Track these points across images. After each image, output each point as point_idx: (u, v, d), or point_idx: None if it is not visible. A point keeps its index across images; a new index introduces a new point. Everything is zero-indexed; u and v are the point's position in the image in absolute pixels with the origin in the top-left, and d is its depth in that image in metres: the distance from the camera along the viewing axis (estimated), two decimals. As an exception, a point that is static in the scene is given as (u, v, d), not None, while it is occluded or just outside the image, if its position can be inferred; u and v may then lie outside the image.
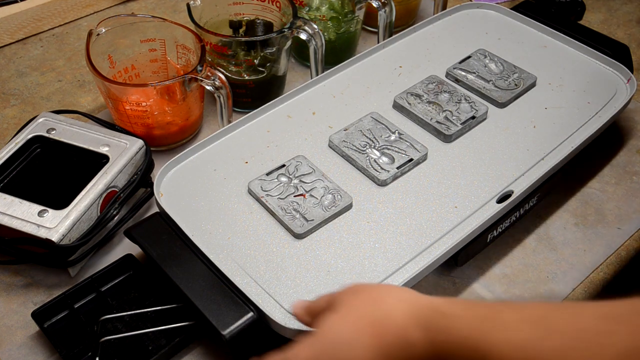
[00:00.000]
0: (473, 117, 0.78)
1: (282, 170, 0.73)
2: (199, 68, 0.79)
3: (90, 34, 0.82)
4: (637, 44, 1.03)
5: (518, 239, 0.77)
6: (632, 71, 0.84)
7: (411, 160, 0.74)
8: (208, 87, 0.79)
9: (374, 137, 0.76)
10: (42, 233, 0.67)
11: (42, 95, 0.96)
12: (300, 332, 0.59)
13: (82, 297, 0.69)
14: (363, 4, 0.94)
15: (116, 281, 0.71)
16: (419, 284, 0.66)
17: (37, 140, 0.78)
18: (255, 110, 0.80)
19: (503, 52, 0.88)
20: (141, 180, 0.77)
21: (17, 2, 1.05)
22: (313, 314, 0.53)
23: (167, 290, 0.68)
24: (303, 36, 0.86)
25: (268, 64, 0.88)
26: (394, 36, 0.91)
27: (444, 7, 1.01)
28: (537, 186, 0.73)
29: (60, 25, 1.09)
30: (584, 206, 0.81)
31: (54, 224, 0.68)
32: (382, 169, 0.73)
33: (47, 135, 0.78)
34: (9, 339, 0.68)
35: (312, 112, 0.81)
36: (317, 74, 0.89)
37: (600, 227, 0.79)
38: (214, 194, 0.72)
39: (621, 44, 0.89)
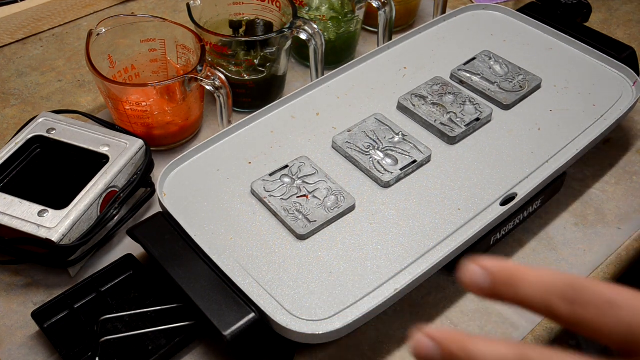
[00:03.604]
0: (477, 119, 0.78)
1: (285, 171, 0.72)
2: (199, 68, 0.79)
3: (90, 34, 0.82)
4: (638, 44, 1.03)
5: (518, 239, 0.77)
6: (638, 74, 0.84)
7: (415, 162, 0.73)
8: (208, 87, 0.78)
9: (378, 139, 0.76)
10: (42, 233, 0.67)
11: (42, 95, 0.95)
12: (301, 334, 0.58)
13: (82, 297, 0.68)
14: (363, 4, 0.94)
15: (116, 281, 0.70)
16: (419, 285, 0.65)
17: (37, 140, 0.77)
18: (258, 111, 0.79)
19: (508, 54, 0.88)
20: (141, 180, 0.77)
21: (17, 2, 1.04)
22: None
23: (167, 290, 0.68)
24: (303, 36, 0.86)
25: (268, 64, 0.88)
26: (398, 37, 0.91)
27: (444, 8, 1.01)
28: (541, 189, 0.73)
29: (60, 25, 1.08)
30: (584, 206, 0.81)
31: (54, 224, 0.67)
32: (385, 170, 0.72)
33: (47, 135, 0.77)
34: (9, 339, 0.67)
35: (316, 113, 0.80)
36: (317, 74, 0.89)
37: (600, 227, 0.79)
38: (217, 195, 0.71)
39: (627, 46, 0.89)
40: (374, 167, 0.73)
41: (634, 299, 0.31)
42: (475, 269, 0.34)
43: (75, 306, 0.68)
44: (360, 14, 0.96)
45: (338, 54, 0.99)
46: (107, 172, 0.73)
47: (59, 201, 0.70)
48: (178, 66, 0.88)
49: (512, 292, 0.33)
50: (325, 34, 0.94)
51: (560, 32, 0.90)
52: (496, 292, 0.34)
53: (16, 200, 0.70)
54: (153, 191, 0.79)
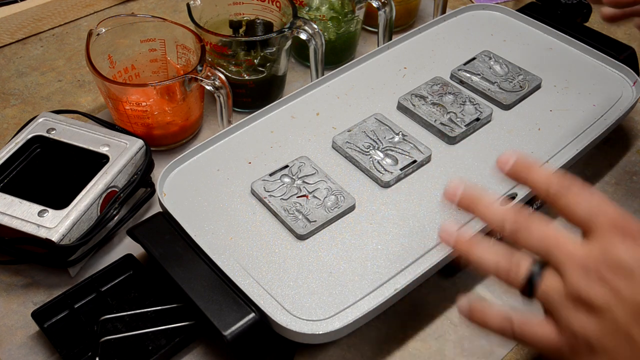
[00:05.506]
0: (477, 119, 0.78)
1: (285, 171, 0.72)
2: (199, 68, 0.79)
3: (90, 34, 0.82)
4: (638, 44, 1.02)
5: (518, 240, 0.77)
6: (638, 74, 0.84)
7: (415, 161, 0.73)
8: (208, 87, 0.78)
9: (378, 139, 0.76)
10: (42, 233, 0.67)
11: (42, 95, 0.95)
12: (301, 334, 0.58)
13: (82, 297, 0.69)
14: (363, 4, 0.94)
15: (116, 281, 0.70)
16: (419, 285, 0.65)
17: (37, 140, 0.77)
18: (259, 111, 0.79)
19: (508, 54, 0.88)
20: (141, 180, 0.76)
21: (17, 2, 1.04)
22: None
23: (167, 290, 0.67)
24: (303, 36, 0.85)
25: (268, 64, 0.88)
26: (398, 37, 0.91)
27: (444, 8, 1.01)
28: (541, 189, 0.72)
29: (60, 25, 1.08)
30: (584, 206, 0.81)
31: (54, 224, 0.67)
32: (385, 170, 0.72)
33: (47, 135, 0.77)
34: (9, 339, 0.67)
35: (316, 113, 0.80)
36: (317, 74, 0.89)
37: (601, 228, 0.78)
38: (217, 194, 0.71)
39: (627, 46, 0.89)
40: (374, 167, 0.73)
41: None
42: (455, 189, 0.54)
43: (75, 306, 0.68)
44: (360, 14, 0.96)
45: (338, 54, 0.99)
46: (107, 172, 0.73)
47: (59, 201, 0.70)
48: (178, 66, 0.88)
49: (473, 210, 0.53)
50: (325, 34, 0.94)
51: (560, 32, 0.90)
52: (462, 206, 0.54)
53: (16, 200, 0.70)
54: (153, 191, 0.79)
